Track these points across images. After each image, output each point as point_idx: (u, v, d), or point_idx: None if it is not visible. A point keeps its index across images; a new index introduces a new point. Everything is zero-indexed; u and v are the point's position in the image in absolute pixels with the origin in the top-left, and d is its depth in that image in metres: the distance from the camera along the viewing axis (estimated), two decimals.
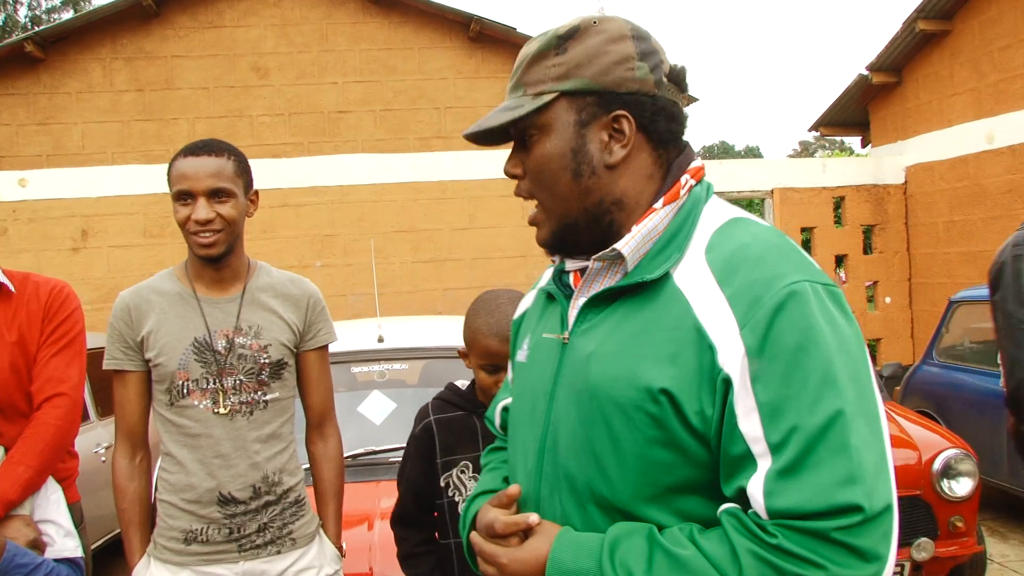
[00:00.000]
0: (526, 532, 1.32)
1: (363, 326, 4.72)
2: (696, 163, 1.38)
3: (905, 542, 4.40)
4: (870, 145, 12.00)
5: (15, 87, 9.33)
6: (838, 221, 10.71)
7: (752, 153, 54.33)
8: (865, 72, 10.90)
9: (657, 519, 1.24)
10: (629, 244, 1.31)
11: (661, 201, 1.33)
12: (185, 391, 2.36)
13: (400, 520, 2.52)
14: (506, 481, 1.59)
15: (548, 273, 1.61)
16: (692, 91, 1.46)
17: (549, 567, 1.25)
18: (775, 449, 1.13)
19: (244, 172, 2.42)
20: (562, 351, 1.40)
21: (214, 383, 2.37)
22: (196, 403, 2.36)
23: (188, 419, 2.37)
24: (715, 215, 1.33)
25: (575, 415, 1.32)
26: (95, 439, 5.46)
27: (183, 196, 2.32)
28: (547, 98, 1.33)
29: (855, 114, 11.87)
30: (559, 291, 1.47)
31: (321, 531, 2.55)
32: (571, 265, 1.45)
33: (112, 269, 9.21)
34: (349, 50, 9.73)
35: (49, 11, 31.94)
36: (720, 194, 1.41)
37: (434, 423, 2.44)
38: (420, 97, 9.79)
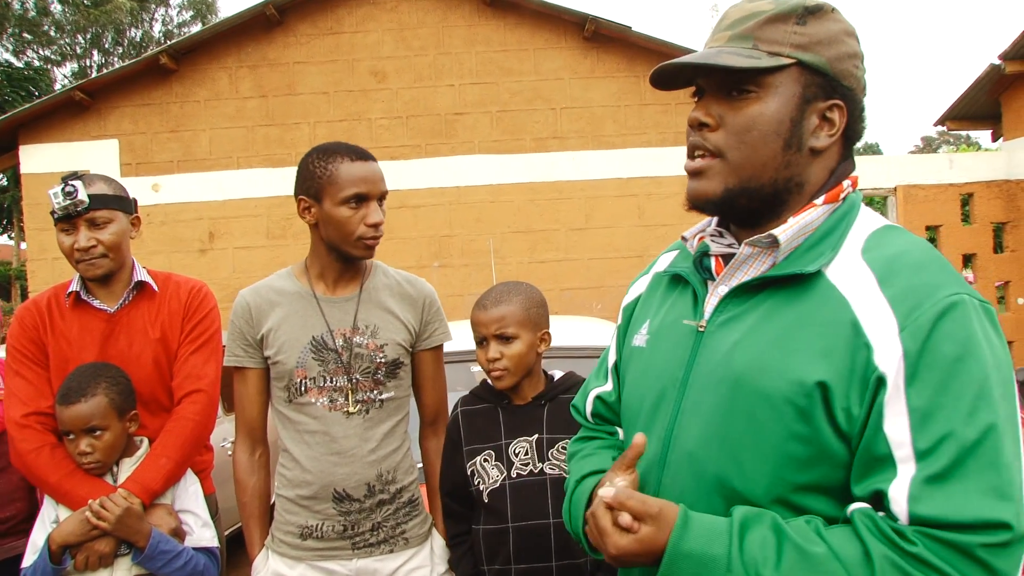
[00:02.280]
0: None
1: None
2: (855, 173, 1.41)
3: None
4: (1001, 139, 11.44)
5: (151, 97, 9.75)
6: (966, 219, 10.25)
7: (871, 150, 52.44)
8: (997, 62, 10.40)
9: (781, 514, 1.22)
10: (786, 233, 1.32)
11: (822, 198, 1.35)
12: (303, 389, 2.39)
13: (443, 511, 2.53)
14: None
15: (666, 257, 1.61)
16: None
17: (671, 548, 1.20)
18: (922, 455, 1.12)
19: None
20: (697, 339, 1.39)
21: (331, 381, 2.39)
22: (313, 401, 2.39)
23: (305, 416, 2.40)
24: (869, 221, 1.35)
25: (712, 404, 1.31)
26: (222, 434, 5.67)
27: (358, 199, 2.34)
28: (785, 61, 1.33)
29: (985, 107, 11.35)
30: (697, 276, 1.46)
31: (434, 530, 2.56)
32: (716, 249, 1.45)
33: (237, 269, 9.54)
34: (465, 52, 9.82)
35: (180, 25, 33.39)
36: None
37: (460, 414, 2.47)
38: (536, 98, 9.80)
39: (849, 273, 1.25)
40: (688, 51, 9.68)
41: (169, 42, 11.79)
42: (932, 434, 1.11)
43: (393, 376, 2.45)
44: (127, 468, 2.51)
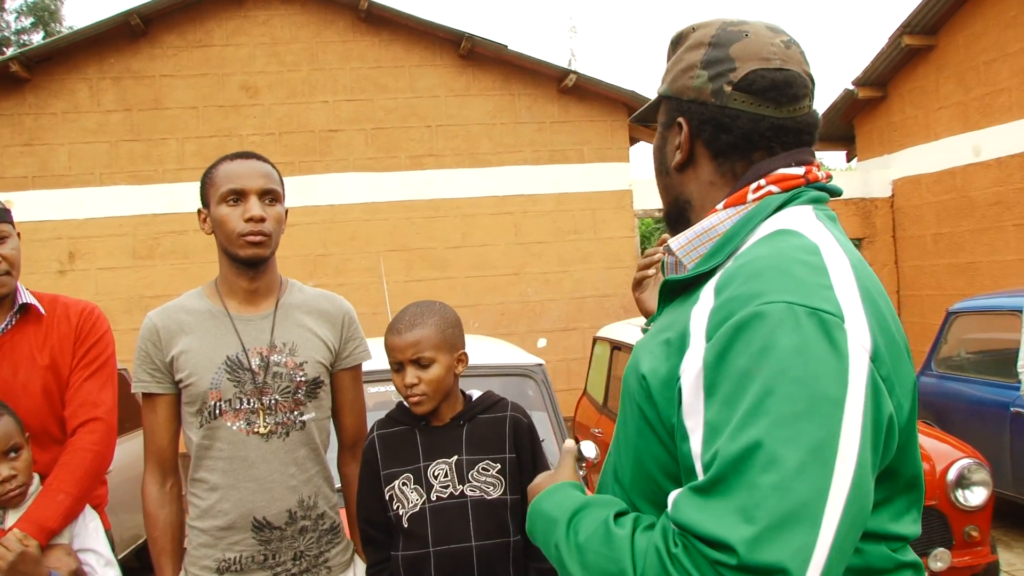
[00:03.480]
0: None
1: (373, 346, 4.64)
2: (786, 171, 1.32)
3: (922, 552, 4.39)
4: (855, 159, 12.12)
5: (0, 108, 9.20)
6: None
7: None
8: (851, 87, 11.03)
9: (648, 510, 1.26)
10: (679, 240, 1.37)
11: (722, 203, 1.33)
12: (217, 412, 2.27)
13: (362, 538, 2.45)
14: None
15: None
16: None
17: (532, 503, 1.40)
18: (704, 470, 1.08)
19: (282, 183, 2.40)
20: None
21: (248, 403, 2.28)
22: (229, 424, 2.27)
23: (220, 442, 2.27)
24: (774, 225, 1.27)
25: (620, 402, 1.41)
26: None
27: (232, 196, 2.26)
28: (653, 99, 1.48)
29: (840, 128, 12.00)
30: None
31: (356, 558, 2.48)
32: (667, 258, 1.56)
33: (100, 291, 9.09)
34: (339, 68, 9.69)
35: (19, 32, 31.65)
36: None
37: (376, 437, 2.38)
38: (411, 115, 9.76)
39: (715, 281, 1.23)
40: (561, 70, 9.86)
41: (11, 50, 11.09)
42: (711, 450, 1.07)
43: (313, 396, 2.36)
44: (16, 509, 2.33)
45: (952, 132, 9.84)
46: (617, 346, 6.46)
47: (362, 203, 9.61)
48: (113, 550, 2.62)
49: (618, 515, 1.22)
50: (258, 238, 2.27)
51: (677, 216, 1.45)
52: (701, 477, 1.08)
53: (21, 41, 29.62)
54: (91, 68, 9.34)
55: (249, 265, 2.32)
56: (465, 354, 2.38)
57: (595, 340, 7.39)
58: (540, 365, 4.25)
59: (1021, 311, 5.92)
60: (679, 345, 1.20)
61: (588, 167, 10.07)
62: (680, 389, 1.15)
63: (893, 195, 10.65)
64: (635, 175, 10.34)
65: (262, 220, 2.26)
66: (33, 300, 2.55)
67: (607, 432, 6.08)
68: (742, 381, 1.07)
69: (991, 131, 9.31)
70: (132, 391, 2.39)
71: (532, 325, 9.90)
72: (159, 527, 2.34)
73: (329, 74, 9.68)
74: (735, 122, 1.32)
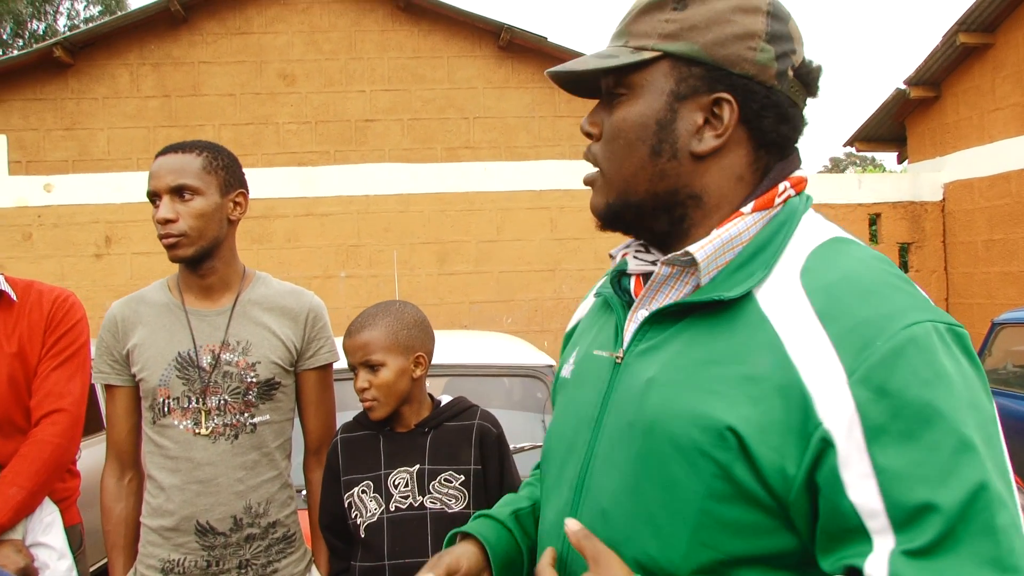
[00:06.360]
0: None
1: None
2: (799, 172, 1.17)
3: None
4: (907, 161, 11.76)
5: (43, 92, 9.30)
6: (873, 238, 10.48)
7: None
8: (903, 86, 10.69)
9: None
10: (705, 249, 1.10)
11: (750, 206, 1.12)
12: (166, 409, 2.20)
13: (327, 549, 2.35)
14: (533, 511, 1.41)
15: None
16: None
17: None
18: (900, 526, 0.91)
19: (218, 169, 2.22)
20: (614, 372, 1.18)
21: (196, 402, 2.20)
22: (176, 423, 2.19)
23: (168, 440, 2.20)
24: (814, 232, 1.11)
25: (624, 452, 1.10)
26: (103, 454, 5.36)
27: (152, 199, 2.18)
28: (647, 55, 1.13)
29: (891, 129, 11.65)
30: (616, 298, 1.24)
31: (313, 568, 2.37)
32: (634, 267, 1.24)
33: (135, 276, 9.15)
34: (377, 58, 9.64)
35: (87, 20, 32.30)
36: None
37: (339, 441, 2.27)
38: (448, 106, 9.67)
39: (784, 301, 1.04)
40: None
41: (64, 34, 11.22)
42: (910, 501, 0.90)
43: (268, 398, 2.26)
44: None
45: (1008, 135, 9.47)
46: None
47: (397, 194, 9.53)
48: (80, 546, 2.55)
49: None
50: (170, 240, 2.15)
51: (659, 211, 1.18)
52: (884, 534, 0.92)
53: (89, 29, 30.14)
54: (132, 54, 9.41)
55: (184, 264, 2.23)
56: (424, 356, 2.25)
57: None
58: (550, 366, 4.10)
59: None
60: (786, 382, 0.99)
61: None
62: (826, 438, 0.95)
63: (944, 199, 10.29)
64: None
65: (167, 221, 2.15)
66: (5, 286, 2.48)
67: None
68: (923, 416, 0.92)
69: None
70: (91, 381, 2.33)
71: (567, 322, 9.73)
72: (112, 521, 2.29)
73: (367, 63, 9.63)
74: (791, 112, 1.14)
